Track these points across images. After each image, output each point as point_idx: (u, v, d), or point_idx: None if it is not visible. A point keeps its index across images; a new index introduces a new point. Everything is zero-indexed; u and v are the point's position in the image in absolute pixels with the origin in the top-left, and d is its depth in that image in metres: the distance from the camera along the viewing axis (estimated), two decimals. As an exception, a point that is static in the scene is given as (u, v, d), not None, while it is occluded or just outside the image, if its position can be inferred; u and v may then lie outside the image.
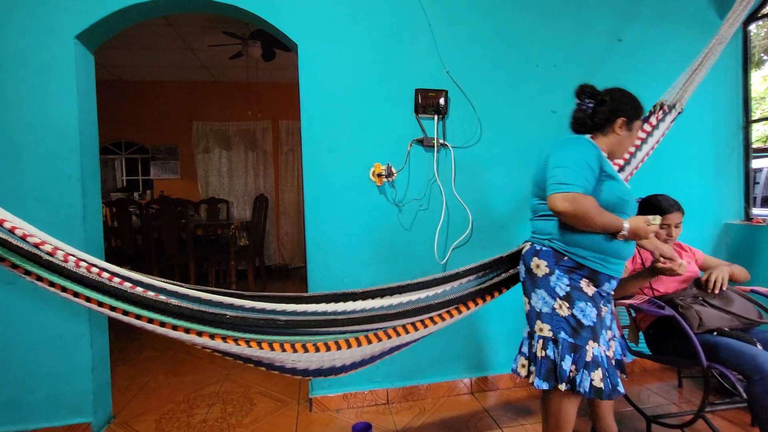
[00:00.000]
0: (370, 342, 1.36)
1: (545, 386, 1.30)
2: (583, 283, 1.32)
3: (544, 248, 1.37)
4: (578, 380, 1.27)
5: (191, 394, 2.22)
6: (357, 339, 1.35)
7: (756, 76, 4.86)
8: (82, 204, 1.82)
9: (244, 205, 5.81)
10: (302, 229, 2.03)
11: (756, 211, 2.59)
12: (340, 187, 2.02)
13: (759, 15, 2.44)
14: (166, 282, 1.26)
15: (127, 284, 1.17)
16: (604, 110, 1.41)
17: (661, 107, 1.85)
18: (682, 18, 2.38)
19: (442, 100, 2.07)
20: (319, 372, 1.37)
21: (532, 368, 1.36)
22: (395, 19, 2.05)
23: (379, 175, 2.02)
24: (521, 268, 1.45)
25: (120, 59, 4.76)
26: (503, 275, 1.58)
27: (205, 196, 5.64)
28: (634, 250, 1.42)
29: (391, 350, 1.47)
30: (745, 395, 1.38)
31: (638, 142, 1.83)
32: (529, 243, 1.45)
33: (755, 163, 3.01)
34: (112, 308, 1.15)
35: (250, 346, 1.24)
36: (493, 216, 2.17)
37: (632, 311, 1.82)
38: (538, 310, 1.36)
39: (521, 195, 2.19)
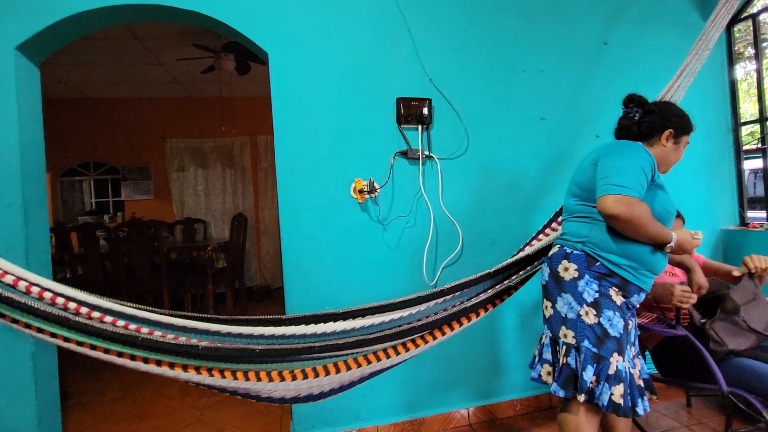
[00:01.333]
0: (349, 368, 1.28)
1: (561, 393, 1.24)
2: (613, 292, 1.25)
3: (575, 252, 1.30)
4: (597, 393, 1.20)
5: (158, 442, 1.99)
6: (336, 365, 1.28)
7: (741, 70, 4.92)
8: (23, 235, 1.60)
9: (222, 224, 5.57)
10: (283, 249, 1.86)
11: (750, 214, 2.52)
12: (318, 205, 1.85)
13: (742, 16, 2.40)
14: (138, 308, 1.14)
15: (96, 314, 1.07)
16: (651, 120, 1.38)
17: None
18: (666, 20, 2.33)
19: (425, 110, 1.94)
20: (296, 399, 1.30)
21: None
22: (373, 26, 1.92)
23: (361, 192, 1.86)
24: (545, 272, 1.38)
25: (85, 76, 4.52)
26: (490, 291, 1.48)
27: (180, 216, 5.38)
28: (666, 265, 1.34)
29: (371, 374, 1.37)
30: (772, 423, 1.24)
31: None
32: (558, 246, 1.37)
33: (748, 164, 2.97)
34: (79, 343, 1.06)
35: (224, 377, 1.16)
36: (485, 231, 2.03)
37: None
38: (563, 315, 1.29)
39: (513, 207, 2.07)
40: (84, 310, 1.07)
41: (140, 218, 4.88)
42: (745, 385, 1.32)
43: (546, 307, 1.36)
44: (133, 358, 1.09)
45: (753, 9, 2.41)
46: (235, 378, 1.17)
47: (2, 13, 1.60)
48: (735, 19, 2.43)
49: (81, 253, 4.15)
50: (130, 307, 1.14)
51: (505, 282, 1.49)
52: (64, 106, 5.00)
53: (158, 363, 1.11)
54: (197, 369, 1.14)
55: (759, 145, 2.37)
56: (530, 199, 2.08)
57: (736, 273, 1.57)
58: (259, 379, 1.19)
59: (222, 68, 3.87)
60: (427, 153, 1.96)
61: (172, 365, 1.12)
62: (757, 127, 2.43)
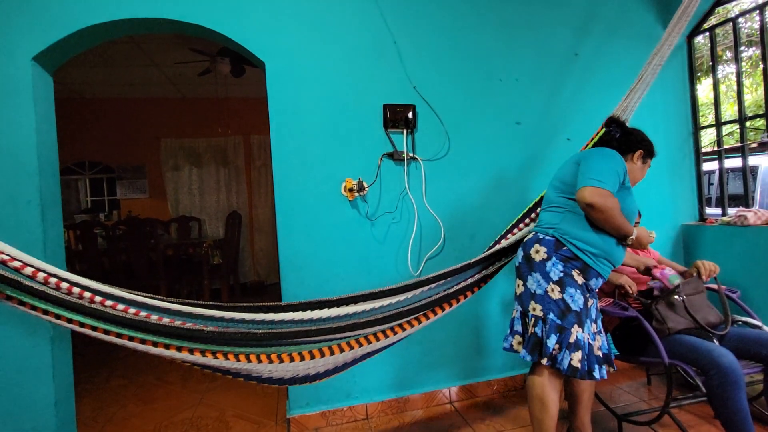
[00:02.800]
0: (342, 350, 1.42)
1: (528, 358, 1.45)
2: (575, 273, 1.46)
3: (546, 237, 1.51)
4: (559, 358, 1.40)
5: (163, 423, 2.14)
6: (330, 348, 1.41)
7: (706, 83, 5.19)
8: (42, 230, 1.75)
9: (217, 222, 5.70)
10: (276, 245, 2.02)
11: (710, 211, 2.74)
12: (312, 203, 2.03)
13: (702, 29, 2.62)
14: (148, 297, 1.27)
15: (109, 302, 1.19)
16: (629, 140, 1.64)
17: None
18: (632, 33, 2.53)
19: (410, 115, 2.12)
20: (294, 380, 1.43)
21: None
22: (361, 37, 2.09)
23: (351, 190, 2.04)
24: (519, 255, 1.57)
25: (82, 77, 4.63)
26: (469, 280, 1.67)
27: (175, 214, 5.50)
28: (623, 258, 1.57)
29: (363, 357, 1.53)
30: (703, 388, 1.45)
31: None
32: (533, 233, 1.58)
33: (708, 166, 3.20)
34: (93, 328, 1.17)
35: (228, 359, 1.28)
36: (465, 225, 2.22)
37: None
38: (533, 292, 1.49)
39: (490, 204, 2.25)
40: (98, 298, 1.19)
41: (136, 216, 5.00)
42: (683, 357, 1.52)
43: (518, 285, 1.56)
44: (143, 342, 1.20)
45: (711, 23, 2.62)
46: (238, 360, 1.28)
47: (20, 28, 1.74)
48: (695, 32, 2.64)
49: (79, 250, 4.26)
50: (140, 295, 1.26)
51: (483, 271, 1.69)
52: (60, 107, 5.07)
53: (167, 347, 1.22)
54: (203, 352, 1.25)
55: (715, 148, 2.59)
56: (506, 197, 2.27)
57: (692, 273, 1.77)
58: (260, 361, 1.31)
59: (217, 71, 4.01)
60: (411, 155, 2.14)
61: (179, 348, 1.23)
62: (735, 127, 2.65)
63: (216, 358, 1.26)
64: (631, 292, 1.73)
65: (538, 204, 1.75)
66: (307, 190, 2.02)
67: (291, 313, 1.45)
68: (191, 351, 1.25)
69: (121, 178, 5.50)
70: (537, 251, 1.50)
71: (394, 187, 2.13)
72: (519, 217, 1.81)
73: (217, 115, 5.55)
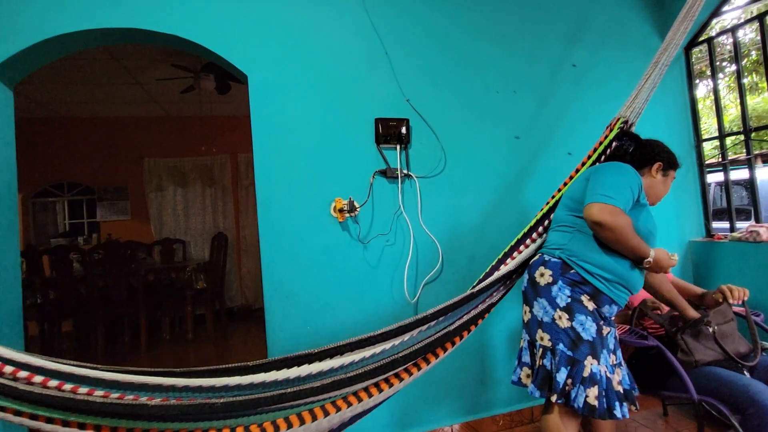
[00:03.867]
0: (327, 413, 1.16)
1: (537, 394, 1.32)
2: (584, 298, 1.32)
3: (553, 259, 1.39)
4: (573, 395, 1.25)
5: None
6: (311, 412, 1.15)
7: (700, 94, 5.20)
8: (-8, 260, 1.56)
9: (203, 244, 5.48)
10: (264, 268, 1.84)
11: (715, 225, 2.63)
12: (298, 225, 1.86)
13: (698, 41, 2.56)
14: (76, 365, 1.02)
15: (23, 373, 0.93)
16: (643, 153, 1.51)
17: (625, 122, 1.77)
18: (627, 43, 2.46)
19: (403, 129, 1.99)
20: None
21: None
22: (351, 48, 1.97)
23: (341, 211, 1.88)
24: (525, 278, 1.46)
25: (59, 95, 4.45)
26: (472, 312, 1.46)
27: (158, 237, 5.28)
28: (641, 285, 1.40)
29: (353, 419, 1.28)
30: (740, 429, 1.29)
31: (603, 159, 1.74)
32: (540, 254, 1.47)
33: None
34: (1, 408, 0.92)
35: None
36: (464, 247, 2.07)
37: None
38: (540, 319, 1.36)
39: (490, 223, 2.11)
40: (8, 369, 0.93)
41: (117, 239, 4.78)
42: (714, 393, 1.37)
43: (525, 312, 1.43)
44: (66, 423, 0.96)
45: (712, 32, 2.57)
46: None
47: (-26, 37, 1.59)
48: (693, 43, 2.59)
49: (53, 276, 4.02)
50: (65, 364, 1.01)
51: (487, 300, 1.51)
52: (37, 126, 4.90)
53: (97, 428, 0.99)
54: (146, 431, 1.02)
55: (720, 159, 2.50)
56: (507, 215, 2.13)
57: (719, 299, 1.61)
58: None
59: (202, 88, 3.88)
60: (405, 172, 2.00)
61: (114, 430, 1.00)
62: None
63: None
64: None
65: (540, 222, 1.60)
66: (294, 211, 1.86)
67: (263, 375, 1.20)
68: (130, 431, 1.01)
69: (101, 199, 5.28)
70: (542, 274, 1.38)
71: (388, 206, 1.98)
72: (519, 237, 1.64)
73: (203, 134, 5.39)
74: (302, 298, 1.85)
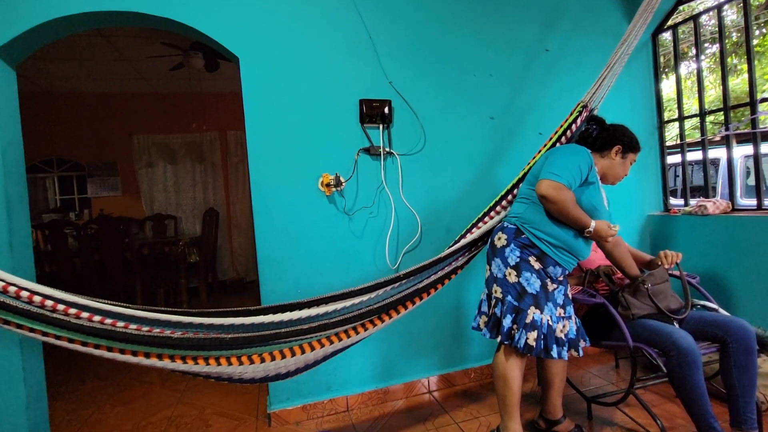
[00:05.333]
0: (313, 349, 1.43)
1: (488, 336, 1.59)
2: (532, 259, 1.55)
3: (509, 225, 1.62)
4: (516, 337, 1.50)
5: (141, 422, 2.12)
6: (301, 347, 1.42)
7: (672, 78, 5.38)
8: (7, 230, 1.70)
9: (194, 220, 5.60)
10: (255, 242, 2.01)
11: (675, 201, 2.87)
12: (289, 198, 2.03)
13: (666, 26, 2.72)
14: (111, 304, 1.26)
15: (72, 310, 1.17)
16: (605, 136, 1.70)
17: (584, 107, 1.93)
18: (599, 29, 2.61)
19: (386, 110, 2.14)
20: (265, 379, 1.44)
21: None
22: (337, 32, 2.10)
23: (328, 185, 2.05)
24: (488, 242, 1.69)
25: (49, 71, 4.46)
26: (439, 273, 1.71)
27: (150, 212, 5.38)
28: (587, 253, 1.62)
29: (333, 353, 1.55)
30: (664, 368, 1.53)
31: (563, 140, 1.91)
32: (501, 222, 1.69)
33: (671, 159, 3.33)
34: (57, 337, 1.16)
35: (197, 363, 1.28)
36: (441, 219, 2.26)
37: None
38: (495, 275, 1.59)
39: (465, 197, 2.30)
40: (61, 307, 1.17)
41: (109, 215, 4.87)
42: (645, 340, 1.61)
43: (486, 270, 1.66)
44: (110, 349, 1.19)
45: (676, 20, 2.72)
46: (207, 363, 1.29)
47: (-21, 19, 1.68)
48: (660, 29, 2.75)
49: (48, 250, 4.13)
50: (104, 303, 1.24)
51: (453, 263, 1.73)
52: (26, 102, 4.86)
53: (134, 353, 1.22)
54: (171, 357, 1.26)
55: (678, 141, 2.71)
56: (481, 191, 2.32)
57: (658, 262, 1.81)
58: (230, 363, 1.31)
59: (191, 65, 3.93)
60: (388, 149, 2.17)
61: (147, 354, 1.23)
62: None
63: (185, 362, 1.27)
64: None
65: (503, 197, 1.81)
66: (284, 186, 2.02)
67: (261, 317, 1.45)
68: (159, 356, 1.25)
69: (92, 175, 5.33)
70: (499, 238, 1.61)
71: (371, 181, 2.15)
72: (485, 210, 1.85)
73: (192, 111, 5.43)
74: (293, 265, 2.04)
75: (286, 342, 1.41)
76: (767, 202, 2.27)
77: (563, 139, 1.80)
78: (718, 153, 3.77)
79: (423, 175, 2.24)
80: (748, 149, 2.77)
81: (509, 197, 1.78)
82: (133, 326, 1.23)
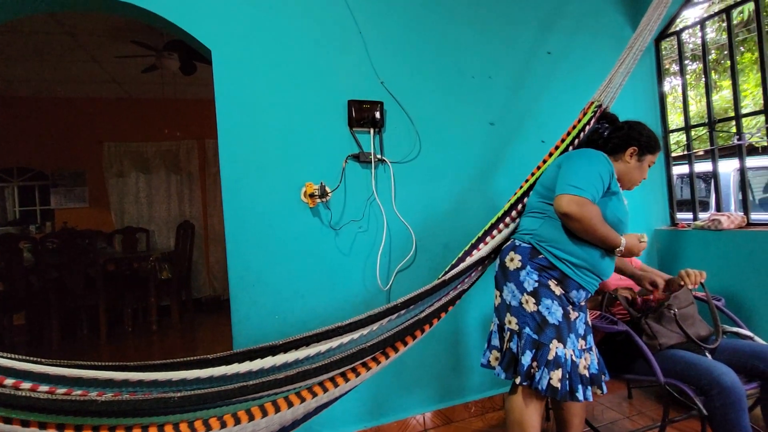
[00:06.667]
0: (290, 404, 1.11)
1: (503, 376, 1.33)
2: (552, 283, 1.32)
3: (523, 244, 1.40)
4: (537, 377, 1.26)
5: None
6: (274, 403, 1.10)
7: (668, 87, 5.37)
8: None
9: (167, 233, 5.25)
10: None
11: (680, 216, 2.71)
12: (267, 210, 1.77)
13: (668, 32, 2.60)
14: (19, 359, 0.93)
15: None
16: (619, 136, 1.48)
17: (599, 107, 1.75)
18: (601, 33, 2.47)
19: (377, 113, 1.92)
20: None
21: None
22: (323, 26, 1.88)
23: (312, 196, 1.80)
24: (496, 263, 1.47)
25: (10, 73, 4.13)
26: (443, 299, 1.44)
27: (120, 225, 5.02)
28: (611, 271, 1.40)
29: (317, 410, 1.23)
30: (704, 410, 1.32)
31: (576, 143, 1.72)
32: (511, 240, 1.48)
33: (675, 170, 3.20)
34: None
35: None
36: (438, 234, 2.04)
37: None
38: (508, 303, 1.37)
39: (465, 210, 2.09)
40: None
41: (73, 228, 4.50)
42: (679, 375, 1.40)
43: (496, 297, 1.43)
44: (8, 421, 0.88)
45: (678, 26, 2.62)
46: None
47: None
48: (662, 35, 2.63)
49: (0, 267, 3.74)
50: (7, 358, 0.93)
51: (458, 287, 1.49)
52: (-18, 105, 4.54)
53: (42, 426, 0.91)
54: (95, 429, 0.94)
55: (685, 152, 2.56)
56: (481, 202, 2.12)
57: (681, 283, 1.62)
58: None
59: (165, 67, 3.67)
60: (379, 156, 1.94)
61: (60, 426, 0.92)
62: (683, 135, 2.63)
63: None
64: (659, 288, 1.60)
65: (511, 208, 1.58)
66: (262, 197, 1.77)
67: (224, 368, 1.13)
68: (78, 428, 0.93)
69: (56, 185, 4.95)
70: (512, 259, 1.39)
71: (361, 192, 1.92)
72: (491, 222, 1.63)
73: (167, 118, 5.14)
74: (270, 286, 1.77)
75: (255, 398, 1.09)
76: (755, 216, 2.13)
77: (576, 142, 1.60)
78: (708, 167, 3.67)
79: (418, 185, 2.01)
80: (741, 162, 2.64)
81: (519, 207, 1.55)
82: (44, 388, 0.91)
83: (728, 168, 3.54)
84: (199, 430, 0.99)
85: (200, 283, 5.36)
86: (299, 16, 1.84)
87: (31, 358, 0.94)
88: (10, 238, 3.75)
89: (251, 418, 1.05)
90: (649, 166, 1.52)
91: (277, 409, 1.09)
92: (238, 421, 1.03)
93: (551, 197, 1.34)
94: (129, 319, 4.22)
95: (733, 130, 2.28)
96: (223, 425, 1.02)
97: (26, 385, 0.89)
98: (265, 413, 1.07)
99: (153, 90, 4.82)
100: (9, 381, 0.88)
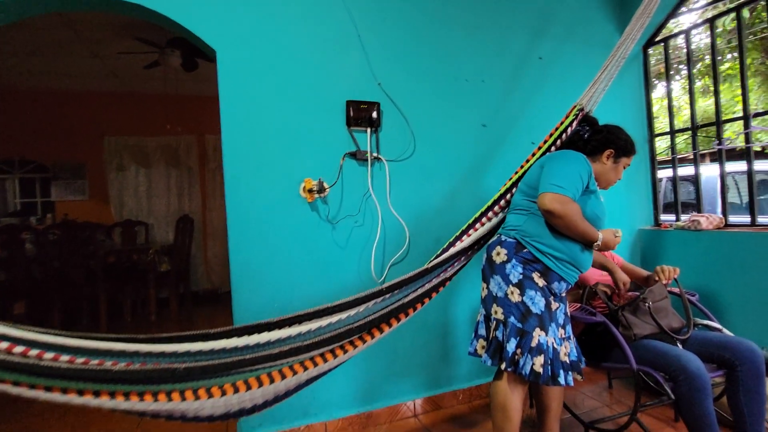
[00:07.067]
0: (284, 376, 1.22)
1: (489, 362, 1.43)
2: (535, 275, 1.42)
3: (508, 239, 1.48)
4: (521, 363, 1.35)
5: (93, 452, 1.89)
6: (269, 375, 1.21)
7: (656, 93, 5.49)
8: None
9: (167, 227, 5.33)
10: (231, 251, 1.82)
11: (663, 217, 2.82)
12: (267, 204, 1.86)
13: (656, 40, 2.71)
14: (41, 332, 1.03)
15: None
16: (597, 139, 1.58)
17: (581, 110, 1.78)
18: (591, 40, 2.57)
19: (374, 113, 2.01)
20: (226, 416, 1.21)
21: None
22: (324, 29, 1.97)
23: (310, 191, 1.90)
24: (483, 257, 1.56)
25: (14, 65, 4.18)
26: (427, 285, 1.54)
27: (119, 218, 5.08)
28: (590, 264, 1.51)
29: (308, 381, 1.34)
30: (672, 395, 1.42)
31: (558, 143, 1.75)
32: (497, 235, 1.56)
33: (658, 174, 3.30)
34: None
35: (143, 400, 1.04)
36: (430, 229, 2.13)
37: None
38: (495, 294, 1.46)
39: (456, 206, 2.18)
40: None
41: (74, 220, 4.57)
42: (650, 363, 1.51)
43: (483, 289, 1.52)
44: (32, 386, 0.97)
45: (666, 34, 2.72)
46: (156, 400, 1.07)
47: None
48: (650, 42, 2.73)
49: (2, 257, 3.81)
50: (28, 330, 1.03)
51: (441, 275, 1.58)
52: (-15, 98, 4.59)
53: (63, 390, 0.99)
54: (111, 394, 1.03)
55: (670, 156, 2.67)
56: (472, 200, 2.21)
57: (655, 278, 1.74)
58: (183, 399, 1.10)
59: (167, 64, 3.74)
60: (375, 155, 2.03)
61: (80, 392, 1.00)
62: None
63: (128, 399, 1.04)
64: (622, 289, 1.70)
65: (494, 204, 1.67)
66: (262, 191, 1.86)
67: (223, 341, 1.24)
68: (96, 393, 1.01)
69: (57, 178, 5.01)
70: (498, 253, 1.48)
71: (357, 188, 2.01)
72: (475, 216, 1.71)
73: (168, 113, 5.20)
74: (270, 277, 1.87)
75: (251, 370, 1.20)
76: (760, 219, 2.24)
77: (558, 142, 1.70)
78: (701, 170, 3.79)
79: (412, 183, 2.11)
80: (731, 167, 2.76)
81: (501, 203, 1.65)
82: (64, 358, 1.01)
83: (716, 171, 3.66)
84: (202, 398, 1.11)
85: (198, 276, 5.44)
86: (301, 20, 1.93)
87: (51, 331, 1.05)
88: (13, 229, 3.81)
89: (248, 387, 1.17)
90: (625, 168, 1.63)
91: (272, 381, 1.20)
92: (236, 390, 1.15)
93: (535, 195, 1.44)
94: (128, 310, 4.30)
95: (728, 134, 2.39)
96: (223, 393, 1.13)
97: (48, 355, 0.99)
98: (261, 384, 1.18)
99: (154, 85, 4.89)
100: (33, 352, 0.99)
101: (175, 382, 1.09)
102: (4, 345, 0.95)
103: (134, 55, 3.81)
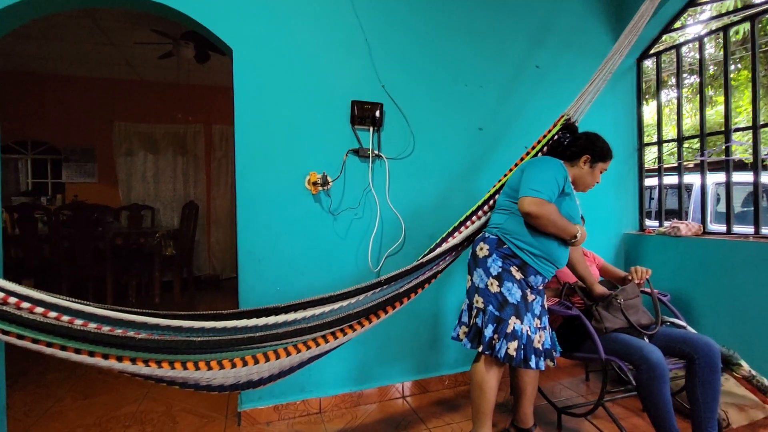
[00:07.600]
0: (288, 354, 1.38)
1: (468, 346, 1.58)
2: (513, 269, 1.57)
3: (491, 236, 1.64)
4: (497, 347, 1.51)
5: (104, 417, 2.04)
6: (275, 352, 1.37)
7: (653, 104, 5.60)
8: (-24, 208, 1.62)
9: (172, 212, 5.48)
10: (235, 239, 1.97)
11: (649, 222, 2.96)
12: (274, 194, 2.01)
13: (649, 53, 2.83)
14: (72, 301, 1.16)
15: (25, 304, 1.07)
16: (576, 145, 1.73)
17: (567, 120, 1.89)
18: (587, 50, 2.69)
19: (377, 113, 2.15)
20: (236, 386, 1.37)
21: None
22: (333, 32, 2.10)
23: (315, 184, 2.04)
24: (469, 252, 1.71)
25: (31, 50, 4.31)
26: (420, 278, 1.70)
27: (126, 202, 5.24)
28: (566, 260, 1.66)
29: (310, 359, 1.50)
30: (633, 381, 1.57)
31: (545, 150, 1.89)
32: (482, 232, 1.71)
33: (649, 182, 3.44)
34: (5, 332, 1.05)
35: (161, 367, 1.19)
36: (425, 225, 2.28)
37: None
38: (477, 285, 1.61)
39: (449, 204, 2.32)
40: (12, 299, 1.06)
41: (84, 201, 4.72)
42: (617, 353, 1.65)
43: (468, 281, 1.67)
44: (63, 348, 1.09)
45: (659, 48, 2.84)
46: (173, 368, 1.20)
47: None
48: (644, 56, 2.86)
49: (16, 234, 3.96)
50: (62, 299, 1.14)
51: (434, 268, 1.74)
52: (3, 80, 4.72)
53: (91, 353, 1.12)
54: (132, 360, 1.16)
55: (655, 165, 2.80)
56: (465, 199, 2.34)
57: (629, 278, 1.89)
58: (197, 368, 1.23)
59: (180, 55, 3.87)
60: (377, 152, 2.17)
61: (105, 356, 1.13)
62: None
63: (147, 365, 1.18)
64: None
65: (483, 204, 1.83)
66: (270, 181, 2.00)
67: (233, 321, 1.39)
68: (119, 358, 1.15)
69: (67, 160, 5.16)
70: (481, 248, 1.63)
71: (358, 183, 2.15)
72: (465, 215, 1.85)
73: (177, 101, 5.34)
74: (274, 262, 2.01)
75: (259, 347, 1.35)
76: (736, 228, 2.38)
77: (545, 149, 1.84)
78: (691, 179, 3.93)
79: (410, 180, 2.25)
80: (720, 177, 2.89)
81: (490, 203, 1.81)
82: (92, 325, 1.14)
83: (708, 181, 3.80)
84: (215, 368, 1.26)
85: (201, 261, 5.59)
86: (312, 22, 2.06)
87: (82, 301, 1.18)
88: (26, 208, 3.96)
89: (256, 362, 1.33)
90: (602, 172, 1.76)
91: (278, 357, 1.36)
92: (245, 364, 1.30)
93: (516, 197, 1.59)
94: (134, 291, 4.46)
95: (719, 143, 2.52)
96: (234, 366, 1.29)
97: (78, 321, 1.12)
98: (267, 359, 1.34)
99: (165, 74, 5.01)
100: (65, 318, 1.12)
101: (191, 353, 1.24)
102: (40, 310, 1.09)
103: (149, 46, 3.94)
